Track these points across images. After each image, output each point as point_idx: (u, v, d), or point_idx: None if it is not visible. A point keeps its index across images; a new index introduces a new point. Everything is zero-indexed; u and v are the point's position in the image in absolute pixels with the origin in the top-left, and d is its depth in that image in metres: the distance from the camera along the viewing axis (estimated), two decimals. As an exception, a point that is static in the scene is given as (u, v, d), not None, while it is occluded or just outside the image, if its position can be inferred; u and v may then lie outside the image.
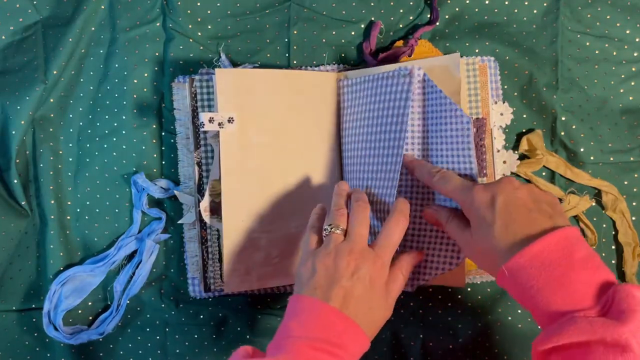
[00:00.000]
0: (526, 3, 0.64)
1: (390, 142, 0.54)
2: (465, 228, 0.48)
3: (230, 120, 0.57)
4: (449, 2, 0.64)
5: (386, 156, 0.54)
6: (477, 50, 0.64)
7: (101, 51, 0.65)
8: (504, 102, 0.63)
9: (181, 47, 0.64)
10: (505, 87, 0.64)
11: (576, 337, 0.38)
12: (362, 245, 0.48)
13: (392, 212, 0.50)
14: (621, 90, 0.64)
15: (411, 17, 0.65)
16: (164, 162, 0.64)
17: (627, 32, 0.64)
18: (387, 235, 0.49)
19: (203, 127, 0.56)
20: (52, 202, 0.63)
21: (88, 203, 0.64)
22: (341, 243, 0.48)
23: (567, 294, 0.40)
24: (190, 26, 0.64)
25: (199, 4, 0.64)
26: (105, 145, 0.64)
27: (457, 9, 0.64)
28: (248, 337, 0.63)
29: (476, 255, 0.48)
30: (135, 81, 0.64)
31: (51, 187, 0.64)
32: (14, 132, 0.63)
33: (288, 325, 0.45)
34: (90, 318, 0.64)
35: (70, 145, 0.64)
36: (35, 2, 0.65)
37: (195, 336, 0.64)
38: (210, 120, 0.57)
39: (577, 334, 0.38)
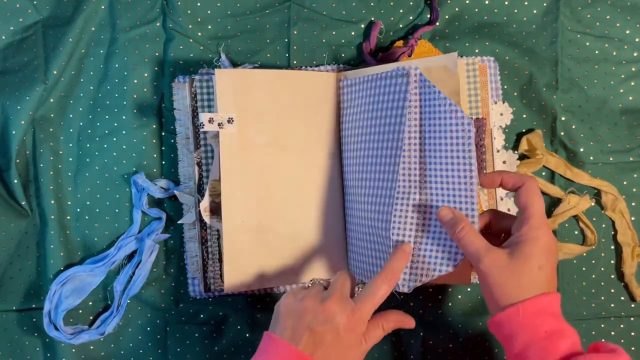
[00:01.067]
0: (526, 3, 0.64)
1: (389, 143, 0.54)
2: (495, 248, 0.47)
3: (230, 121, 0.57)
4: (449, 2, 0.64)
5: (386, 157, 0.54)
6: (477, 50, 0.64)
7: (101, 51, 0.65)
8: (504, 102, 0.63)
9: (181, 47, 0.64)
10: (505, 87, 0.64)
11: None
12: (341, 295, 0.48)
13: (383, 269, 0.50)
14: (621, 90, 0.64)
15: (411, 17, 0.65)
16: (164, 162, 0.64)
17: (627, 32, 0.64)
18: (371, 291, 0.49)
19: (203, 127, 0.56)
20: (52, 202, 0.63)
21: (88, 203, 0.64)
22: (323, 291, 0.50)
23: (571, 344, 0.44)
24: (190, 26, 0.64)
25: (199, 4, 0.64)
26: (105, 145, 0.64)
27: (457, 9, 0.64)
28: (248, 335, 0.63)
29: (504, 277, 0.46)
30: (135, 81, 0.64)
31: (51, 187, 0.64)
32: (14, 132, 0.63)
33: None
34: (91, 318, 0.64)
35: (70, 145, 0.64)
36: (35, 2, 0.64)
37: (196, 335, 0.64)
38: (210, 121, 0.57)
39: None
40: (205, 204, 0.60)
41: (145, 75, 0.64)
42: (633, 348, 0.63)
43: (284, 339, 0.47)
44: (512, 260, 0.46)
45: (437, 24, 0.64)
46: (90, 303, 0.64)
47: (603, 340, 0.63)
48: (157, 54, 0.64)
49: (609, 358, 0.43)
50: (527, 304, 0.45)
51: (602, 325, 0.63)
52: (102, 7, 0.64)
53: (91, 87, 0.64)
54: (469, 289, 0.64)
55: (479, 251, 0.47)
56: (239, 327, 0.63)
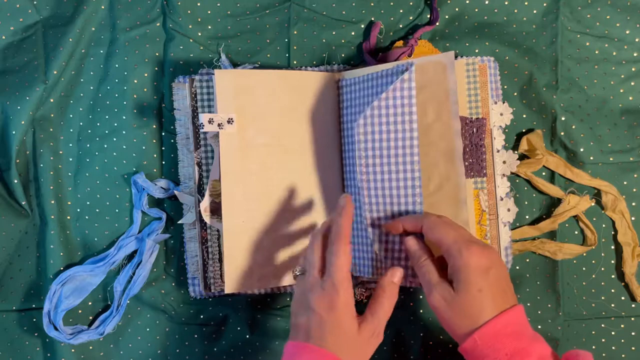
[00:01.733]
0: (526, 3, 0.64)
1: (399, 134, 0.54)
2: (440, 282, 0.48)
3: (229, 121, 0.57)
4: (449, 2, 0.64)
5: (398, 148, 0.54)
6: (477, 50, 0.64)
7: (101, 51, 0.65)
8: (503, 102, 0.63)
9: (181, 47, 0.64)
10: (505, 87, 0.64)
11: None
12: (310, 278, 0.49)
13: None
14: (621, 90, 0.64)
15: (411, 17, 0.65)
16: (164, 162, 0.64)
17: (627, 32, 0.64)
18: (330, 257, 0.49)
19: (203, 128, 0.56)
20: (52, 202, 0.63)
21: (88, 203, 0.64)
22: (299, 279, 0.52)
23: (534, 358, 0.44)
24: (190, 26, 0.64)
25: (199, 4, 0.64)
26: (105, 145, 0.64)
27: (457, 9, 0.64)
28: (248, 337, 0.63)
29: (452, 310, 0.47)
30: (135, 81, 0.64)
31: (51, 187, 0.64)
32: (14, 132, 0.63)
33: None
34: (91, 318, 0.64)
35: (70, 145, 0.64)
36: (35, 2, 0.65)
37: (195, 336, 0.64)
38: (210, 121, 0.57)
39: None
40: (205, 204, 0.60)
41: (145, 75, 0.64)
42: (633, 348, 0.63)
43: (294, 339, 0.49)
44: (455, 292, 0.47)
45: (437, 24, 0.64)
46: (90, 303, 0.64)
47: (603, 340, 0.63)
48: (157, 54, 0.64)
49: None
50: (481, 332, 0.45)
51: (602, 325, 0.63)
52: (102, 7, 0.64)
53: (91, 87, 0.64)
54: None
55: (430, 284, 0.48)
56: (238, 328, 0.63)
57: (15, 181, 0.63)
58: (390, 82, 0.54)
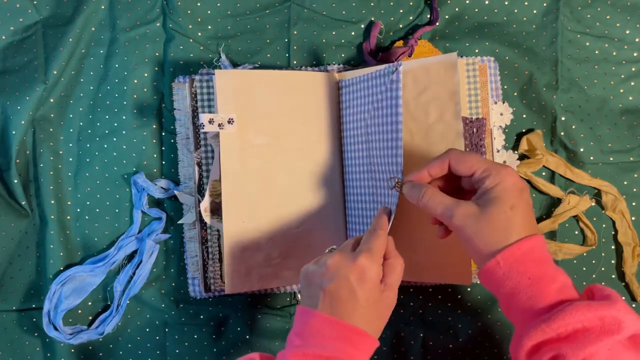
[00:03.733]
0: (526, 3, 0.64)
1: (387, 143, 0.54)
2: (462, 201, 0.46)
3: (230, 121, 0.57)
4: (449, 2, 0.64)
5: (385, 157, 0.54)
6: (477, 50, 0.64)
7: (101, 51, 0.65)
8: (504, 102, 0.63)
9: (181, 47, 0.64)
10: (505, 87, 0.64)
11: (578, 318, 0.40)
12: (342, 251, 0.48)
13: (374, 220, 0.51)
14: (621, 90, 0.64)
15: (411, 17, 0.65)
16: (164, 162, 0.64)
17: (627, 32, 0.64)
18: (369, 232, 0.49)
19: (203, 128, 0.56)
20: (52, 202, 0.63)
21: (88, 203, 0.64)
22: (327, 254, 0.50)
23: (559, 287, 0.43)
24: (190, 26, 0.64)
25: (199, 4, 0.64)
26: (105, 145, 0.64)
27: (457, 9, 0.64)
28: (248, 337, 0.63)
29: (479, 225, 0.45)
30: (135, 81, 0.64)
31: (51, 187, 0.64)
32: (14, 132, 0.63)
33: (290, 335, 0.48)
34: (90, 318, 0.64)
35: (70, 145, 0.64)
36: (35, 2, 0.65)
37: (195, 336, 0.64)
38: (210, 122, 0.57)
39: (580, 314, 0.41)
40: (205, 204, 0.60)
41: (145, 75, 0.64)
42: (633, 348, 0.63)
43: (307, 306, 0.47)
44: (483, 207, 0.45)
45: (437, 24, 0.64)
46: (90, 303, 0.64)
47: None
48: (157, 54, 0.64)
49: (600, 306, 0.41)
50: (505, 254, 0.44)
51: (603, 326, 0.63)
52: (102, 7, 0.64)
53: (91, 87, 0.64)
54: (469, 289, 0.64)
55: (449, 208, 0.46)
56: (238, 328, 0.63)
57: (15, 181, 0.63)
58: (381, 83, 0.54)
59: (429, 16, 0.65)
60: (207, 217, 0.60)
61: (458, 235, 0.47)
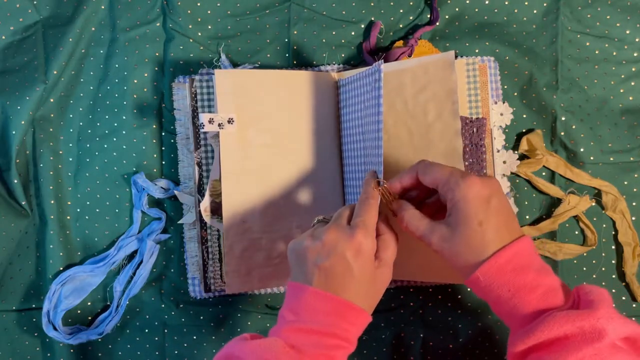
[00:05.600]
0: (526, 3, 0.64)
1: (372, 142, 0.54)
2: (435, 224, 0.46)
3: (230, 121, 0.57)
4: (449, 2, 0.64)
5: (372, 156, 0.54)
6: (477, 50, 0.64)
7: (101, 51, 0.65)
8: (504, 102, 0.63)
9: (181, 47, 0.64)
10: (505, 87, 0.64)
11: (556, 330, 0.41)
12: (337, 225, 0.47)
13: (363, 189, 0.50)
14: (621, 90, 0.64)
15: (411, 17, 0.65)
16: (164, 162, 0.64)
17: (627, 32, 0.64)
18: (360, 207, 0.48)
19: (203, 128, 0.56)
20: (52, 202, 0.63)
21: (88, 203, 0.64)
22: (320, 227, 0.49)
23: (541, 295, 0.43)
24: (190, 26, 0.64)
25: (199, 4, 0.64)
26: (105, 145, 0.64)
27: (457, 9, 0.64)
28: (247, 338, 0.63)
29: (453, 248, 0.45)
30: (135, 81, 0.64)
31: (51, 187, 0.64)
32: (14, 132, 0.63)
33: (282, 311, 0.47)
34: (90, 318, 0.64)
35: (70, 145, 0.64)
36: (35, 2, 0.65)
37: (194, 337, 0.64)
38: (210, 121, 0.57)
39: (558, 326, 0.41)
40: (205, 204, 0.60)
41: (145, 75, 0.64)
42: (634, 348, 0.63)
43: (300, 282, 0.47)
44: (454, 229, 0.44)
45: (437, 24, 0.64)
46: (89, 303, 0.64)
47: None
48: (157, 54, 0.64)
49: (578, 316, 0.41)
50: (483, 269, 0.43)
51: (603, 326, 0.63)
52: (102, 7, 0.64)
53: (91, 87, 0.64)
54: (469, 289, 0.64)
55: (425, 233, 0.46)
56: (239, 329, 0.63)
57: (15, 181, 0.63)
58: (368, 82, 0.54)
59: (429, 16, 0.64)
60: (207, 217, 0.60)
61: (439, 256, 0.46)
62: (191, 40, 0.64)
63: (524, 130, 0.64)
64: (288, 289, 0.48)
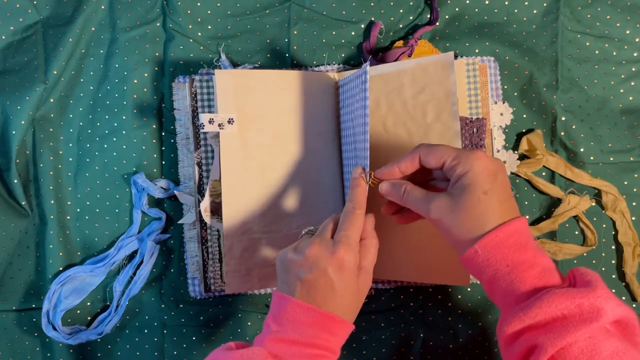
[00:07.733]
0: (526, 3, 0.64)
1: (362, 145, 0.54)
2: (435, 194, 0.46)
3: (230, 121, 0.57)
4: (449, 2, 0.64)
5: (360, 158, 0.54)
6: (477, 50, 0.64)
7: (101, 51, 0.65)
8: (504, 102, 0.63)
9: (181, 47, 0.64)
10: (505, 87, 0.64)
11: (555, 307, 0.40)
12: (320, 239, 0.48)
13: (347, 201, 0.50)
14: (621, 90, 0.64)
15: (411, 17, 0.65)
16: (164, 162, 0.64)
17: (627, 32, 0.64)
18: (343, 223, 0.49)
19: (203, 128, 0.56)
20: (52, 202, 0.63)
21: (88, 203, 0.64)
22: (305, 240, 0.49)
23: (538, 273, 0.42)
24: (190, 26, 0.64)
25: (199, 4, 0.64)
26: (105, 145, 0.64)
27: (457, 9, 0.64)
28: (247, 338, 0.63)
29: (454, 216, 0.44)
30: (135, 81, 0.64)
31: (51, 187, 0.64)
32: (14, 132, 0.63)
33: (267, 319, 0.48)
34: (89, 318, 0.64)
35: (70, 145, 0.64)
36: (35, 2, 0.65)
37: (193, 338, 0.64)
38: (210, 122, 0.57)
39: (557, 303, 0.40)
40: (205, 204, 0.60)
41: (145, 75, 0.64)
42: (634, 348, 0.63)
43: (284, 292, 0.48)
44: (457, 197, 0.44)
45: (437, 24, 0.64)
46: (89, 303, 0.64)
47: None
48: (157, 54, 0.64)
49: (578, 294, 0.40)
50: (483, 242, 0.43)
51: (603, 326, 0.63)
52: (102, 7, 0.64)
53: (91, 87, 0.64)
54: (468, 289, 0.64)
55: (424, 203, 0.46)
56: (239, 330, 0.63)
57: (15, 181, 0.63)
58: (359, 82, 0.54)
59: (429, 16, 0.65)
60: (207, 217, 0.60)
61: (437, 227, 0.46)
62: (191, 40, 0.64)
63: (524, 130, 0.64)
64: (273, 297, 0.49)
